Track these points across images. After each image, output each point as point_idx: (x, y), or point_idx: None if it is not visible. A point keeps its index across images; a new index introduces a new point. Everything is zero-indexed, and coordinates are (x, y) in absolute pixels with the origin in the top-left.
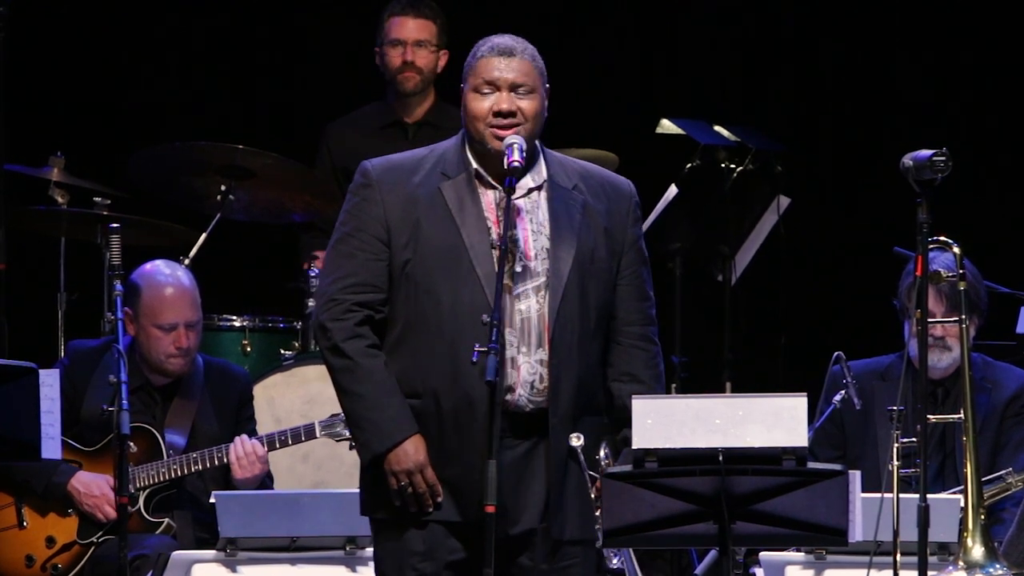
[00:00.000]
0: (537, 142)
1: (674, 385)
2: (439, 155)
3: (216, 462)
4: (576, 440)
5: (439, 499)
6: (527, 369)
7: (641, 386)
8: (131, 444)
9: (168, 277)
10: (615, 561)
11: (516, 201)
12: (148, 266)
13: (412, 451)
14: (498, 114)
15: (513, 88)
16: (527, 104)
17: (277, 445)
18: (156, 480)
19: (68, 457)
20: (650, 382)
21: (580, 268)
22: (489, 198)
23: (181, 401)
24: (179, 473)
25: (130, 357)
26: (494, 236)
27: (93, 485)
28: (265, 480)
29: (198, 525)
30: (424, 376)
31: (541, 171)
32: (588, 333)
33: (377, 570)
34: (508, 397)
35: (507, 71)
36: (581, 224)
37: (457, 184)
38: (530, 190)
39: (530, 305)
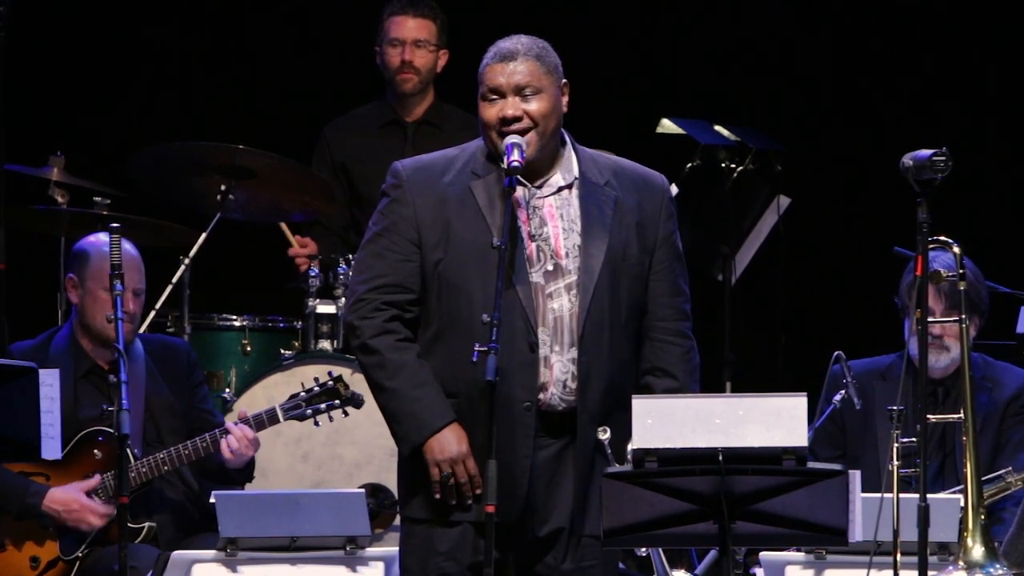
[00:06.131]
0: (568, 139)
1: None
2: (470, 154)
3: (184, 460)
4: (603, 434)
5: (478, 491)
6: (560, 368)
7: (674, 381)
8: (96, 451)
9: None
10: (642, 550)
11: (546, 199)
12: (92, 236)
13: (454, 439)
14: (504, 120)
15: (518, 92)
16: (535, 106)
17: None
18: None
19: (32, 470)
20: (683, 377)
21: (612, 265)
22: (519, 195)
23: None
24: (149, 476)
25: (73, 340)
26: (524, 233)
27: (68, 500)
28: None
29: (175, 524)
30: (459, 375)
31: (572, 168)
32: (620, 330)
33: (401, 566)
34: (540, 396)
35: (510, 76)
36: (613, 220)
37: (487, 183)
38: (560, 188)
39: (562, 304)
